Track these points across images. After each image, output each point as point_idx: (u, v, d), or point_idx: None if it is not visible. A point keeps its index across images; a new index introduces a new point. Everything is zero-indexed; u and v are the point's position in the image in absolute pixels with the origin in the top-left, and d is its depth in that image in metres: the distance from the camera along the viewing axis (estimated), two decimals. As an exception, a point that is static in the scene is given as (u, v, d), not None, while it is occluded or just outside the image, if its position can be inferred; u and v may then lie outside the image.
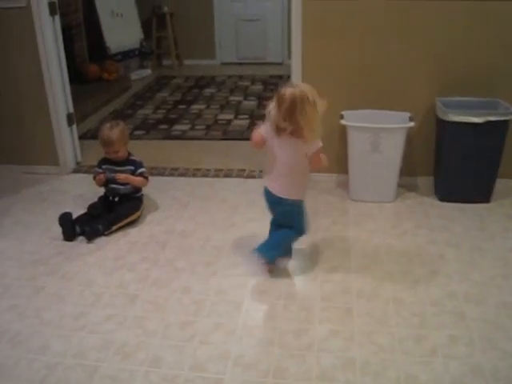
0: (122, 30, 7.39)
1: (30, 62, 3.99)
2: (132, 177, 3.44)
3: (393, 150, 3.42)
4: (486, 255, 2.99)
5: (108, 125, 3.47)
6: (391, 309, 2.55)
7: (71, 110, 4.34)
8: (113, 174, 3.42)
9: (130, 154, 3.51)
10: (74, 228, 3.28)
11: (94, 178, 3.51)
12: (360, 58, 3.63)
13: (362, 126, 3.45)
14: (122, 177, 3.41)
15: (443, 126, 3.43)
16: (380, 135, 3.41)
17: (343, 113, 3.58)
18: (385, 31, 3.55)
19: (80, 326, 2.52)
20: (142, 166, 3.50)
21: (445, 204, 3.56)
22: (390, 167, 3.51)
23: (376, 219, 3.42)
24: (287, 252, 2.96)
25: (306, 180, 2.82)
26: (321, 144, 2.66)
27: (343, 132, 3.61)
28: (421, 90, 3.64)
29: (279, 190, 2.76)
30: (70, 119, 4.32)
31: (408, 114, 3.51)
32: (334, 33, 3.60)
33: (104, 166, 3.48)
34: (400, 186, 3.66)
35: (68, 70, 4.27)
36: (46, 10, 3.93)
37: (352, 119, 3.52)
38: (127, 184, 3.44)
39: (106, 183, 3.48)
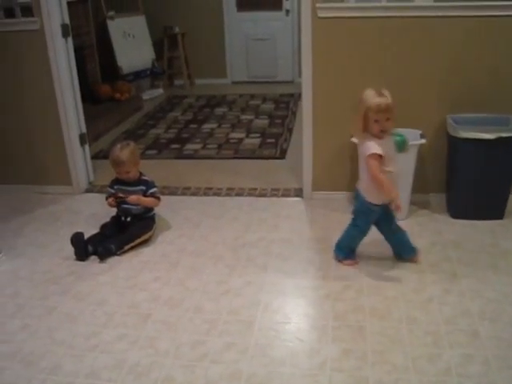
0: (133, 50, 7.48)
1: (44, 82, 4.04)
2: (143, 198, 3.45)
3: (405, 168, 3.41)
4: (500, 272, 2.96)
5: (118, 146, 3.50)
6: (404, 327, 2.53)
7: (84, 130, 4.38)
8: (123, 195, 3.43)
9: (141, 174, 3.53)
10: (87, 248, 3.29)
11: (107, 198, 3.53)
12: (371, 76, 3.63)
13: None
14: (133, 200, 3.41)
15: (454, 142, 3.42)
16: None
17: (354, 130, 3.58)
18: (394, 49, 3.56)
19: (92, 346, 2.52)
20: (153, 186, 3.51)
21: (457, 221, 3.54)
22: (401, 184, 3.48)
23: (388, 237, 3.40)
24: (351, 250, 3.14)
25: (369, 181, 2.85)
26: (372, 151, 2.75)
27: (354, 149, 3.60)
28: (431, 107, 3.64)
29: (358, 181, 3.00)
30: (83, 139, 4.36)
31: (419, 132, 3.50)
32: (344, 51, 3.62)
33: (116, 187, 3.50)
34: (412, 203, 3.65)
35: (80, 91, 4.32)
36: (58, 32, 3.98)
37: (363, 137, 3.51)
38: (139, 204, 3.45)
39: (117, 204, 3.49)
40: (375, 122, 2.71)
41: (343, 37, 3.59)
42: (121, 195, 3.43)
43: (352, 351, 2.40)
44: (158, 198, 3.53)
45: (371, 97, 2.70)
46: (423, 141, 3.42)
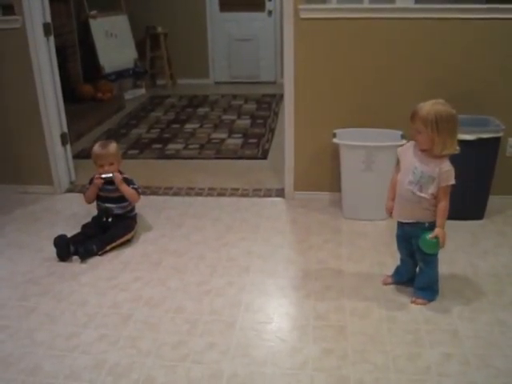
0: (116, 50, 7.45)
1: (25, 81, 4.01)
2: (125, 185, 3.43)
3: (386, 168, 3.43)
4: (479, 272, 3.00)
5: (101, 142, 3.54)
6: (385, 327, 2.55)
7: (65, 129, 4.36)
8: (110, 175, 3.40)
9: (121, 172, 3.51)
10: (69, 249, 3.27)
11: (84, 194, 3.52)
12: (353, 77, 3.66)
13: (355, 145, 3.47)
14: (117, 178, 3.40)
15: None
16: (373, 153, 3.42)
17: (336, 131, 3.60)
18: (376, 50, 3.59)
19: (72, 347, 2.51)
20: (134, 183, 3.51)
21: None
22: (383, 186, 3.49)
23: (369, 237, 3.42)
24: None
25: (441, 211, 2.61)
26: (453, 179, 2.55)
27: (336, 150, 3.63)
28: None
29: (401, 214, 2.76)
30: (64, 139, 4.33)
31: (400, 132, 3.53)
32: (326, 52, 3.63)
33: (97, 185, 3.48)
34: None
35: (62, 90, 4.30)
36: (40, 30, 3.96)
37: (344, 137, 3.54)
38: (120, 203, 3.45)
39: (99, 204, 3.48)
40: None
41: (325, 38, 3.61)
42: (106, 175, 3.40)
43: (333, 350, 2.41)
44: (138, 193, 3.51)
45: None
46: (404, 141, 3.43)
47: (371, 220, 3.59)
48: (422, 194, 2.53)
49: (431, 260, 2.68)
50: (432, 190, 2.51)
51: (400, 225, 2.74)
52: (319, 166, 3.86)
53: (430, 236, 2.52)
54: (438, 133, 2.42)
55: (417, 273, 2.80)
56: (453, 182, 2.49)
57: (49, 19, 4.06)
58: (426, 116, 2.44)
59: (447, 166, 2.49)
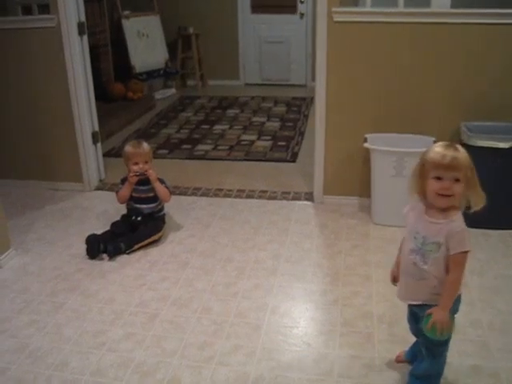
0: (147, 50, 7.50)
1: (58, 79, 4.06)
2: (159, 183, 3.46)
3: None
4: (511, 283, 2.94)
5: (133, 141, 3.58)
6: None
7: (96, 128, 4.39)
8: (143, 171, 3.42)
9: (153, 172, 3.53)
10: (99, 248, 3.30)
11: (117, 193, 3.53)
12: (385, 81, 3.62)
13: (386, 150, 3.43)
14: (152, 175, 3.42)
15: (468, 151, 3.37)
16: (404, 159, 3.39)
17: (367, 136, 3.57)
18: (409, 54, 3.55)
19: (99, 344, 2.52)
20: (164, 182, 3.53)
21: (470, 230, 3.50)
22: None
23: (398, 243, 3.34)
24: None
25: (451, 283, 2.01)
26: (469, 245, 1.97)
27: (366, 155, 3.60)
28: (445, 115, 3.62)
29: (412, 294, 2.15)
30: (95, 137, 4.37)
31: (432, 139, 3.48)
32: (359, 56, 3.60)
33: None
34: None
35: (94, 89, 4.33)
36: (74, 29, 4.00)
37: (376, 142, 3.50)
38: (150, 203, 3.46)
39: (129, 203, 3.51)
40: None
41: (358, 41, 3.58)
42: (141, 171, 3.42)
43: (360, 358, 2.39)
44: (170, 192, 3.53)
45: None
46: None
47: (401, 226, 3.53)
48: (426, 267, 1.96)
49: (436, 349, 2.08)
50: (438, 261, 1.93)
51: (408, 304, 2.18)
52: (349, 170, 3.83)
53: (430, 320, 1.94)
54: (470, 182, 1.92)
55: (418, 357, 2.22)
56: (468, 247, 1.89)
57: (83, 18, 4.10)
58: (463, 163, 1.88)
59: (458, 227, 1.90)
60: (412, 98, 3.63)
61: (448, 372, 2.24)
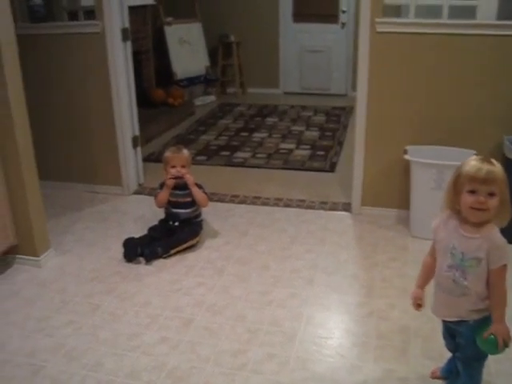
0: (188, 56, 7.57)
1: (101, 84, 4.12)
2: (197, 188, 3.48)
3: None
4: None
5: (173, 147, 3.64)
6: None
7: (137, 132, 4.44)
8: (180, 174, 3.46)
9: (191, 178, 3.55)
10: (136, 251, 3.33)
11: (156, 197, 3.56)
12: (426, 93, 3.58)
13: (427, 162, 3.39)
14: (190, 180, 3.45)
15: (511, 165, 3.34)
16: (444, 172, 3.34)
17: (407, 148, 3.53)
18: (452, 66, 3.50)
19: (134, 347, 2.54)
20: (202, 187, 3.55)
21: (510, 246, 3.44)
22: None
23: (436, 258, 3.33)
24: None
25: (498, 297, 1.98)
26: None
27: (406, 167, 3.56)
28: (488, 128, 3.56)
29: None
30: (135, 141, 4.42)
31: (473, 152, 3.42)
32: (401, 66, 3.57)
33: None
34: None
35: (135, 94, 4.38)
36: (118, 35, 4.06)
37: (416, 155, 3.46)
38: (188, 208, 3.48)
39: (167, 208, 3.53)
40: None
41: (401, 52, 3.55)
42: (177, 174, 3.45)
43: (394, 372, 2.36)
44: (208, 197, 3.56)
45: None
46: (478, 162, 3.34)
47: (439, 240, 3.49)
48: (466, 283, 1.91)
49: (473, 365, 2.05)
50: (480, 276, 1.90)
51: (442, 320, 2.14)
52: (388, 181, 3.79)
53: (485, 334, 1.91)
54: (504, 197, 1.85)
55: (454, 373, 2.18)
56: (507, 260, 1.86)
57: (127, 24, 4.16)
58: (499, 177, 1.82)
59: (499, 240, 1.86)
60: (454, 111, 3.58)
61: (486, 390, 2.20)
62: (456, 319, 2.01)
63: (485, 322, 1.92)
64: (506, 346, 1.90)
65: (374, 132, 3.73)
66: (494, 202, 1.82)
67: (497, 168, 1.84)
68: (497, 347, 1.90)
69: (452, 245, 1.93)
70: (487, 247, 1.85)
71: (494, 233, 1.86)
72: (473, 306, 1.94)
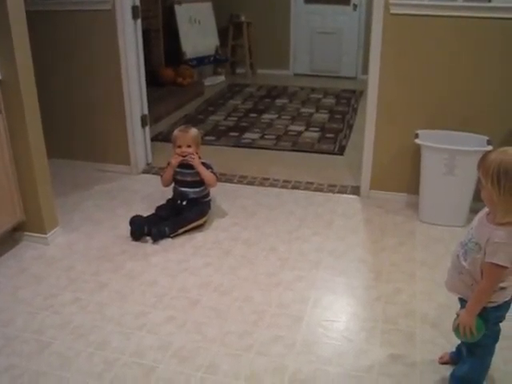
0: (198, 36, 7.52)
1: (111, 62, 4.10)
2: (203, 167, 3.46)
3: (468, 174, 3.31)
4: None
5: (183, 126, 3.62)
6: (456, 338, 2.46)
7: (146, 111, 4.42)
8: (184, 154, 3.45)
9: (200, 157, 3.53)
10: (143, 230, 3.32)
11: (162, 176, 3.57)
12: (440, 77, 3.53)
13: (438, 147, 3.36)
14: (196, 162, 3.43)
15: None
16: (456, 157, 3.31)
17: (418, 132, 3.50)
18: (466, 50, 3.45)
19: (140, 325, 2.55)
20: (211, 167, 3.53)
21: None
22: (463, 191, 3.40)
23: (445, 243, 3.31)
24: None
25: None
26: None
27: (417, 151, 3.53)
28: (500, 114, 3.51)
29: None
30: (144, 121, 4.40)
31: (486, 138, 3.39)
32: (415, 49, 3.52)
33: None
34: (472, 210, 3.53)
35: (144, 73, 4.35)
36: (129, 13, 4.02)
37: (427, 139, 3.43)
38: (196, 187, 3.47)
39: (175, 187, 3.53)
40: None
41: (415, 35, 3.50)
42: (184, 155, 3.45)
43: (401, 357, 2.35)
44: (216, 177, 3.53)
45: None
46: (490, 147, 3.31)
47: (448, 226, 3.47)
48: (464, 264, 1.92)
49: (474, 350, 2.05)
50: (476, 262, 1.87)
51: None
52: (398, 166, 3.76)
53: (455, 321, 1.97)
54: (499, 190, 1.76)
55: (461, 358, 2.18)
56: (498, 261, 1.78)
57: (137, 2, 4.12)
58: (488, 165, 1.77)
59: (499, 237, 1.79)
60: (467, 96, 3.54)
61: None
62: (457, 295, 2.04)
63: (482, 312, 1.91)
64: (468, 335, 1.91)
65: (385, 115, 3.70)
66: (482, 193, 1.83)
67: (488, 157, 1.80)
68: (460, 334, 1.94)
69: (472, 225, 1.95)
70: (487, 238, 1.82)
71: (502, 229, 1.79)
72: (467, 288, 1.94)
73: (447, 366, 2.27)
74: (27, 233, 3.31)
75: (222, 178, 4.10)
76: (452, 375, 2.17)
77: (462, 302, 2.02)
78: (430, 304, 2.70)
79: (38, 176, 3.16)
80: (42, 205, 3.22)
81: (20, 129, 3.04)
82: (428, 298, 2.76)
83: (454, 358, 2.28)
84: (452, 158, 3.32)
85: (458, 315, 1.96)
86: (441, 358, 2.33)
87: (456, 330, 1.95)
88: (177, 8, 7.29)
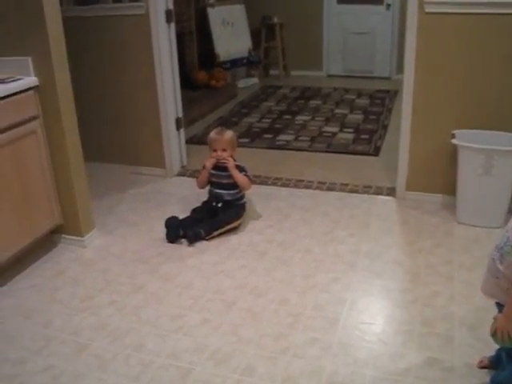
0: (231, 38, 7.54)
1: (145, 66, 4.14)
2: (237, 171, 3.46)
3: (506, 174, 3.25)
4: None
5: (219, 128, 3.63)
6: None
7: (180, 114, 4.45)
8: (222, 158, 3.46)
9: (234, 160, 3.53)
10: (179, 232, 3.34)
11: (197, 178, 3.59)
12: (476, 76, 3.47)
13: (475, 147, 3.30)
14: (231, 164, 3.44)
15: None
16: (494, 157, 3.25)
17: (455, 132, 3.45)
18: (504, 49, 3.38)
19: (176, 328, 2.56)
20: (245, 170, 3.53)
21: None
22: (501, 192, 3.33)
23: (483, 245, 3.25)
24: None
25: None
26: None
27: (453, 152, 3.48)
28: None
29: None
30: (179, 123, 4.43)
31: (520, 137, 3.33)
32: (450, 49, 3.47)
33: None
34: (510, 211, 3.46)
35: (179, 76, 4.38)
36: (162, 17, 4.06)
37: (464, 139, 3.38)
38: (231, 190, 3.48)
39: (211, 189, 3.55)
40: None
41: (450, 34, 3.45)
42: (219, 159, 3.46)
43: (438, 361, 2.31)
44: (250, 180, 3.53)
45: None
46: (528, 147, 3.25)
47: (486, 227, 3.41)
48: (501, 267, 1.86)
49: None
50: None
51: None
52: (434, 166, 3.71)
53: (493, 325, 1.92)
54: None
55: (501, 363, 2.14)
56: None
57: (171, 6, 4.16)
58: None
59: None
60: (504, 95, 3.47)
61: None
62: (493, 299, 1.98)
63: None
64: (505, 340, 1.86)
65: (421, 115, 3.65)
66: None
67: None
68: (497, 339, 1.89)
69: (508, 228, 1.88)
70: None
71: None
72: (503, 293, 1.88)
73: (486, 371, 2.23)
74: (65, 235, 3.36)
75: (257, 180, 4.11)
76: (492, 380, 2.12)
77: (500, 306, 1.97)
78: (468, 307, 2.66)
79: (75, 179, 3.20)
80: (79, 208, 3.26)
81: (57, 133, 3.10)
82: (466, 300, 2.71)
83: (494, 363, 2.23)
84: (489, 158, 3.26)
85: (495, 319, 1.91)
86: (480, 362, 2.28)
87: (494, 335, 1.90)
88: (209, 11, 7.32)
